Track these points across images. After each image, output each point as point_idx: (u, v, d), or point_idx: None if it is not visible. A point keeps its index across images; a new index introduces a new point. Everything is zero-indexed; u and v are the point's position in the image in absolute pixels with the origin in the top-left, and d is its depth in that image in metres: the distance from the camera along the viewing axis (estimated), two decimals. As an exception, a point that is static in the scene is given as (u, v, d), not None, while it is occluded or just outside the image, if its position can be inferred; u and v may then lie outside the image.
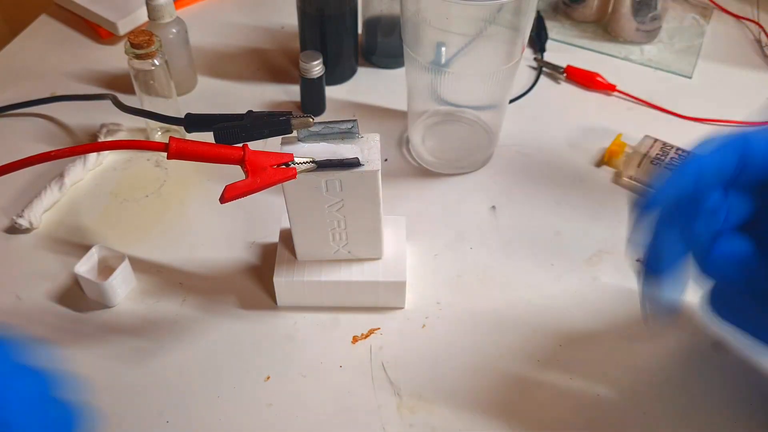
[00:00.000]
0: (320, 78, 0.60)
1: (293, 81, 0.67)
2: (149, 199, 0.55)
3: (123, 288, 0.48)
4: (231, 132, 0.39)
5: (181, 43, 0.62)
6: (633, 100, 0.66)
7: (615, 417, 0.42)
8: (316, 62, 0.59)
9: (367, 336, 0.46)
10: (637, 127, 0.61)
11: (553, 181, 0.57)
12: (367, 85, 0.67)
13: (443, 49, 0.51)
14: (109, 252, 0.48)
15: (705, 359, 0.44)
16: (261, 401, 0.43)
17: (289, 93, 0.66)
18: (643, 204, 0.35)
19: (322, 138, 0.40)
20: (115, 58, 0.69)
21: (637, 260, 0.37)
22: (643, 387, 0.43)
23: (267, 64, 0.69)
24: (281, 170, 0.37)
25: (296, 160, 0.38)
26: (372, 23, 0.67)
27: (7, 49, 0.71)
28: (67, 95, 0.62)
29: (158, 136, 0.60)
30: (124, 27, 0.70)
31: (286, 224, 0.47)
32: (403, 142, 0.60)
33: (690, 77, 0.68)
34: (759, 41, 0.74)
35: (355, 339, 0.46)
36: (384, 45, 0.67)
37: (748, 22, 0.76)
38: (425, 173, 0.58)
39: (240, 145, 0.37)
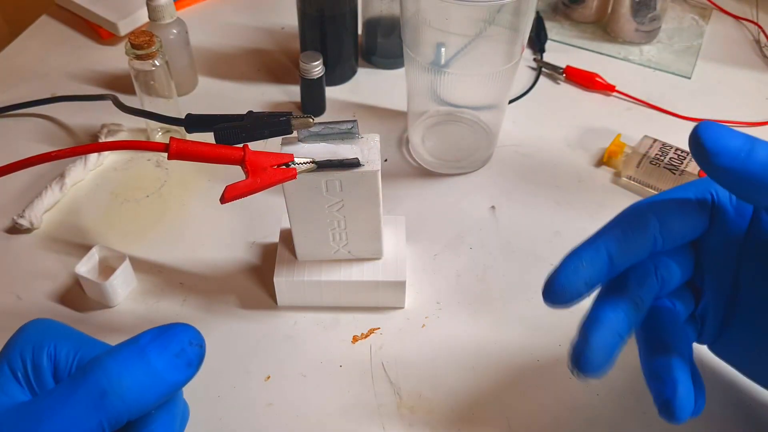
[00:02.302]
0: (320, 78, 0.60)
1: (293, 81, 0.67)
2: (150, 200, 0.55)
3: (123, 288, 0.48)
4: (231, 132, 0.39)
5: (181, 44, 0.62)
6: (632, 100, 0.66)
7: (615, 417, 0.42)
8: (316, 63, 0.59)
9: (367, 336, 0.46)
10: (636, 128, 0.61)
11: (552, 181, 0.57)
12: (367, 86, 0.67)
13: (443, 49, 0.51)
14: (110, 252, 0.48)
15: (704, 359, 0.44)
16: (261, 401, 0.43)
17: (290, 93, 0.66)
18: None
19: (322, 138, 0.41)
20: (115, 59, 0.69)
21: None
22: (643, 387, 0.43)
23: (267, 65, 0.69)
24: (281, 170, 0.37)
25: (296, 160, 0.38)
26: (372, 24, 0.67)
27: (7, 50, 0.71)
28: (67, 96, 0.62)
29: (159, 137, 0.60)
30: (124, 27, 0.70)
31: (286, 224, 0.47)
32: (403, 142, 0.61)
33: (689, 77, 0.69)
34: (758, 42, 0.74)
35: (355, 339, 0.46)
36: (384, 45, 0.68)
37: (747, 23, 0.76)
38: (425, 173, 0.58)
39: (240, 145, 0.37)
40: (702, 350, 0.43)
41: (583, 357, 0.32)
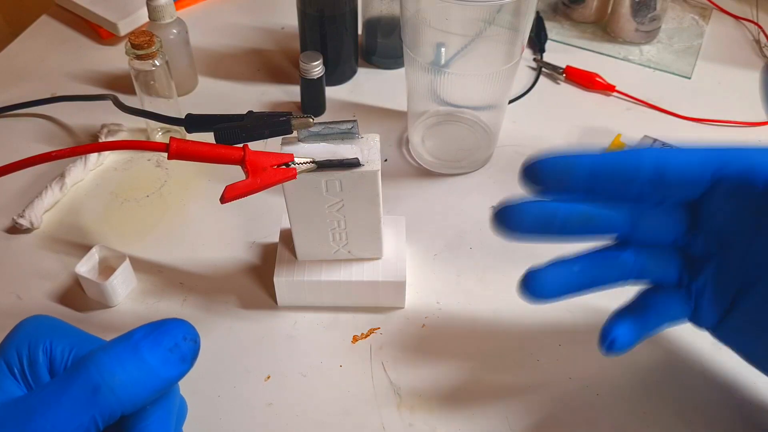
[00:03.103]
0: (320, 78, 0.60)
1: (293, 81, 0.67)
2: (150, 200, 0.55)
3: (123, 288, 0.48)
4: (231, 132, 0.39)
5: (181, 44, 0.62)
6: (632, 100, 0.66)
7: (615, 417, 0.42)
8: (316, 63, 0.59)
9: (367, 336, 0.46)
10: (636, 128, 0.61)
11: (552, 181, 0.57)
12: (367, 86, 0.67)
13: (443, 49, 0.51)
14: (110, 252, 0.48)
15: (704, 359, 0.44)
16: (261, 401, 0.43)
17: (289, 93, 0.66)
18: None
19: (322, 138, 0.41)
20: (115, 59, 0.69)
21: None
22: (643, 387, 0.43)
23: (267, 65, 0.69)
24: (281, 170, 0.37)
25: (296, 160, 0.38)
26: (372, 24, 0.67)
27: (8, 50, 0.71)
28: (67, 95, 0.62)
29: (159, 137, 0.60)
30: (124, 27, 0.70)
31: (286, 224, 0.47)
32: (403, 142, 0.61)
33: (689, 77, 0.69)
34: (758, 42, 0.74)
35: (355, 339, 0.46)
36: (384, 45, 0.68)
37: (747, 23, 0.76)
38: (425, 173, 0.58)
39: (240, 145, 0.37)
40: (701, 346, 0.43)
41: (532, 276, 0.36)
